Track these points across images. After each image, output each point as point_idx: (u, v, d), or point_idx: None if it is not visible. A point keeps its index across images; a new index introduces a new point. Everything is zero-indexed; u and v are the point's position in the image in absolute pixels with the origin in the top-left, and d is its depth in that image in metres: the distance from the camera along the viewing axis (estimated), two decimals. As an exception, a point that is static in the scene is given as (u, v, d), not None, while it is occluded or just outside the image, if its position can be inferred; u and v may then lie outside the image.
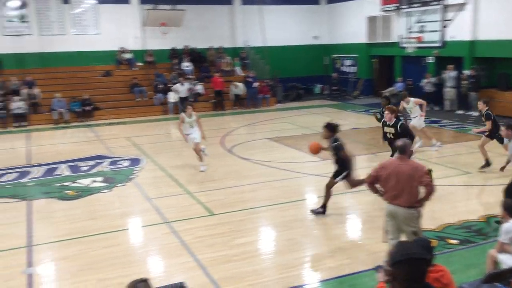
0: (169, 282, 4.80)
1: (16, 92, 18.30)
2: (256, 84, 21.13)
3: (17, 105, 17.69)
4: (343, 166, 7.28)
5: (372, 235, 6.67)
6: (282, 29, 23.85)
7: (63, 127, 17.58)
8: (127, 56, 21.52)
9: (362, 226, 7.42)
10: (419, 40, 19.06)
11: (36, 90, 18.62)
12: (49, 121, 18.02)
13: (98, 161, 11.71)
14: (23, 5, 19.92)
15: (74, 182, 9.91)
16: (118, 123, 17.81)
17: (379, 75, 23.06)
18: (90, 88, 19.57)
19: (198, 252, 6.29)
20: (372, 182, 5.37)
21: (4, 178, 10.36)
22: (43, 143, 14.79)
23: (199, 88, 20.84)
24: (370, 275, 5.42)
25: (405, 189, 5.09)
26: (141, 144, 13.67)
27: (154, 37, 21.58)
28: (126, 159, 11.81)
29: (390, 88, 20.18)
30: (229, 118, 18.87)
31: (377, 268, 4.16)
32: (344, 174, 7.28)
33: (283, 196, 8.61)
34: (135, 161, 11.60)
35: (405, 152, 5.25)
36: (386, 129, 8.65)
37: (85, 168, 11.04)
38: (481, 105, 10.01)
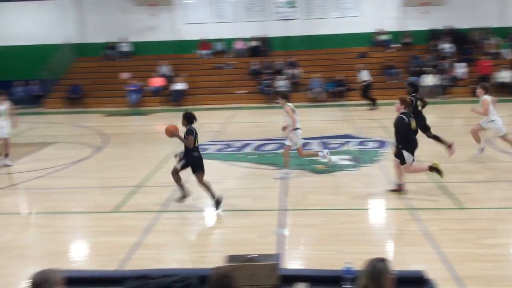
0: (407, 268, 4.71)
1: (280, 72, 20.38)
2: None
3: (281, 83, 19.70)
4: (186, 154, 7.42)
5: None
6: None
7: (318, 106, 18.78)
8: (383, 37, 21.41)
9: None
10: None
11: (297, 71, 20.37)
12: (306, 99, 19.49)
13: (347, 140, 12.16)
14: (293, -8, 21.87)
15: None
16: (366, 104, 18.01)
17: None
18: (345, 70, 20.28)
19: (442, 245, 5.95)
20: None
21: (267, 148, 11.75)
22: (300, 119, 16.09)
23: (460, 71, 19.31)
24: None
25: None
26: (390, 127, 13.50)
27: (413, 17, 20.85)
28: (373, 141, 11.92)
29: None
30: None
31: None
32: (183, 161, 7.41)
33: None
34: (381, 144, 11.60)
35: None
36: None
37: (334, 146, 11.61)
38: None
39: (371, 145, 11.57)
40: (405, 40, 21.26)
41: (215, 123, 15.62)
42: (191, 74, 21.05)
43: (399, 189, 7.88)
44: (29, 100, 21.25)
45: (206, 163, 10.61)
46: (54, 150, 12.38)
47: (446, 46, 20.32)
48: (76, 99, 20.42)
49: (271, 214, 7.33)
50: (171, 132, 7.42)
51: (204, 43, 22.25)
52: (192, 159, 7.43)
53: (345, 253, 5.75)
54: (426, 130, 9.70)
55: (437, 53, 20.29)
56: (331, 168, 9.66)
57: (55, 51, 21.74)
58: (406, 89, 10.00)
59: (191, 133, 7.37)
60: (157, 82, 20.61)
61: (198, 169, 7.45)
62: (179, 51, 22.34)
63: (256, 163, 10.41)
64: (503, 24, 20.90)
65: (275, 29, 21.96)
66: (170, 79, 20.59)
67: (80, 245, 6.73)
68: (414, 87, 9.86)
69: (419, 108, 9.62)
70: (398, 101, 7.82)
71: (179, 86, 20.06)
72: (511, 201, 7.41)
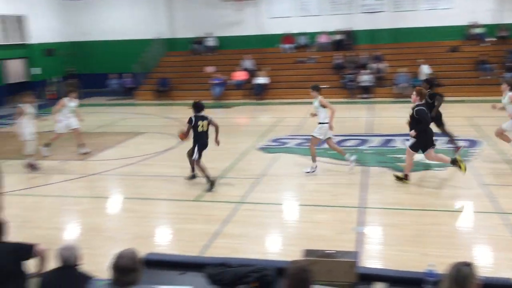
0: (495, 275, 4.44)
1: (364, 66, 19.89)
2: None
3: (365, 78, 19.22)
4: (195, 141, 8.28)
5: None
6: None
7: (403, 102, 18.06)
8: (478, 30, 20.11)
9: None
10: None
11: (383, 65, 19.75)
12: (391, 95, 18.85)
13: (434, 138, 11.57)
14: (380, -16, 21.17)
15: (407, 156, 10.16)
16: (457, 101, 17.06)
17: None
18: (434, 64, 19.31)
19: (536, 254, 5.54)
20: None
21: (347, 143, 11.55)
22: (383, 115, 15.68)
23: None
24: None
25: None
26: (482, 126, 12.75)
27: (511, 9, 19.35)
28: (463, 140, 11.27)
29: None
30: None
31: None
32: (196, 150, 8.22)
33: None
34: (472, 143, 10.97)
35: None
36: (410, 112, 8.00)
37: (420, 144, 11.12)
38: None
39: (460, 144, 10.94)
40: (501, 34, 19.80)
41: (295, 118, 15.63)
42: (274, 68, 21.18)
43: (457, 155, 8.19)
44: (123, 92, 22.63)
45: (286, 157, 10.80)
46: (144, 139, 13.11)
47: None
48: (164, 91, 21.39)
49: (350, 211, 7.23)
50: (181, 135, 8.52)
51: (288, 37, 22.27)
52: (201, 144, 8.32)
53: (428, 255, 5.55)
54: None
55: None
56: (417, 167, 9.29)
57: (147, 46, 22.92)
58: (424, 85, 9.85)
59: (188, 122, 8.32)
60: (240, 76, 21.00)
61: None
62: (263, 45, 22.56)
63: (336, 158, 10.27)
64: None
65: (361, 22, 21.44)
66: (252, 73, 20.88)
67: (165, 230, 7.08)
68: (430, 83, 9.67)
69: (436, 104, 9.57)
70: (413, 93, 8.08)
71: (262, 80, 20.29)
72: None
